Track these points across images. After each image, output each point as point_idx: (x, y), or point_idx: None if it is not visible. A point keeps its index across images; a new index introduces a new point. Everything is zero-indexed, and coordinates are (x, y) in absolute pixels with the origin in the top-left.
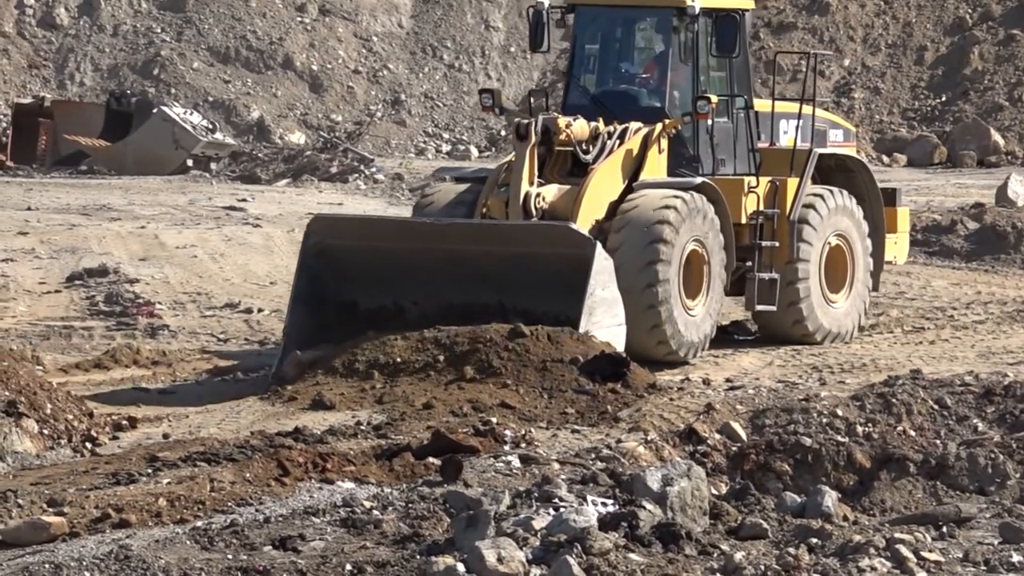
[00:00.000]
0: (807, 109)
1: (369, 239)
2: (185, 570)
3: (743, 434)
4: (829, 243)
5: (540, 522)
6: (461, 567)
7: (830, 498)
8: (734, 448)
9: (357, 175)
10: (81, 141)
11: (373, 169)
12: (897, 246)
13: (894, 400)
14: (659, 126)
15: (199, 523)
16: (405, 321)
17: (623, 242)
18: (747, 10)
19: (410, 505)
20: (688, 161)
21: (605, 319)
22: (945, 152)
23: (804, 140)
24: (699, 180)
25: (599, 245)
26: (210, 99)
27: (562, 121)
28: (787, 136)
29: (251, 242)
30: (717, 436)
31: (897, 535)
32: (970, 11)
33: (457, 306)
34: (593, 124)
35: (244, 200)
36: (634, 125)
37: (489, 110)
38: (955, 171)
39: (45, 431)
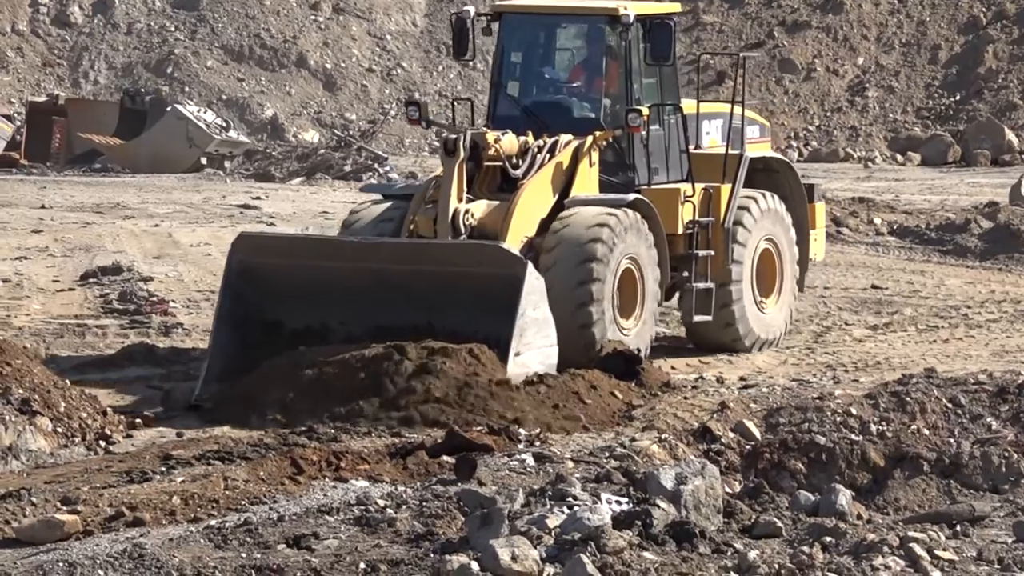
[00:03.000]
0: (726, 108)
1: (295, 258)
2: (199, 568)
3: (757, 432)
4: (760, 247)
5: (554, 520)
6: (475, 566)
7: (844, 497)
8: (748, 446)
9: (371, 173)
10: (95, 139)
11: (387, 168)
12: (816, 243)
13: (908, 399)
14: (589, 139)
15: (213, 522)
16: (331, 342)
17: (556, 261)
18: (676, 13)
19: (424, 503)
20: (623, 171)
21: (536, 340)
22: (959, 151)
23: (725, 140)
24: (632, 197)
25: (530, 265)
26: (224, 97)
27: (491, 136)
28: (709, 137)
29: None
30: (731, 434)
31: (911, 534)
32: (984, 10)
33: (385, 327)
34: (523, 138)
35: (258, 198)
36: (564, 138)
37: (415, 123)
38: (969, 170)
39: (59, 429)
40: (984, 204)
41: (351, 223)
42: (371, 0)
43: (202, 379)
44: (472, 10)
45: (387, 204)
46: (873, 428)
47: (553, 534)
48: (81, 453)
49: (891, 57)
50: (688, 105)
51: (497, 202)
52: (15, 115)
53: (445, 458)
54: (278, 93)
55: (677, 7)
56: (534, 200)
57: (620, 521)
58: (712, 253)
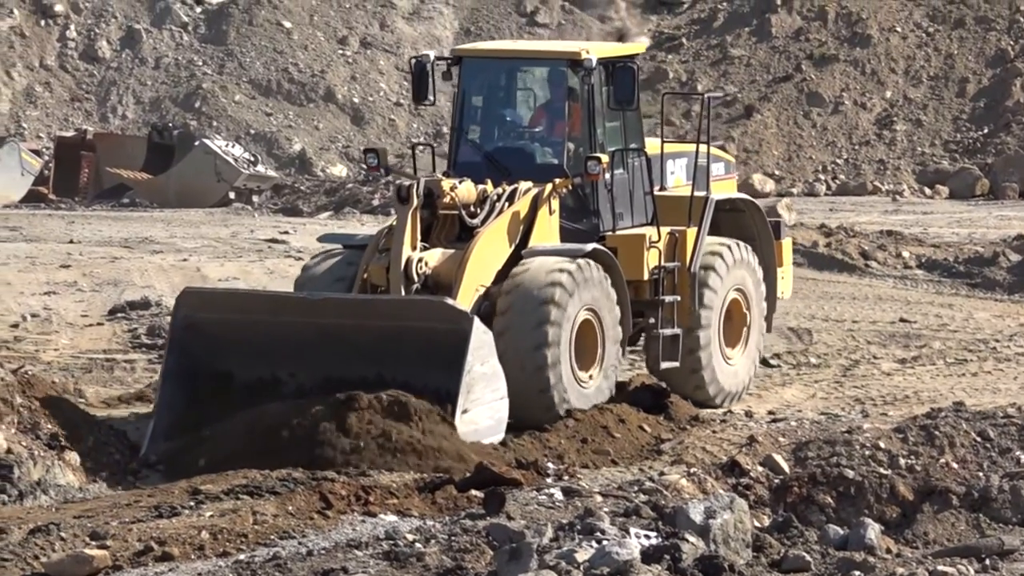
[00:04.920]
0: (690, 148)
1: (241, 313)
2: None
3: (786, 466)
4: (729, 297)
5: (583, 555)
6: None
7: (873, 530)
8: (777, 480)
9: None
10: (123, 174)
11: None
12: (784, 280)
13: (937, 432)
14: (549, 187)
15: (242, 556)
16: (282, 394)
17: (512, 304)
18: (639, 55)
19: (453, 538)
20: (586, 217)
21: (485, 394)
22: (987, 184)
23: (689, 179)
24: (590, 247)
25: (476, 320)
26: (252, 132)
27: (446, 183)
28: (674, 176)
29: (293, 275)
30: (760, 468)
31: (940, 568)
32: (1012, 43)
33: (335, 379)
34: (481, 187)
35: (286, 233)
36: (523, 186)
37: (374, 170)
38: (997, 203)
39: (88, 464)
40: (1012, 237)
41: (308, 272)
42: (399, 34)
43: (148, 437)
44: (432, 54)
45: (347, 253)
46: (902, 462)
47: (582, 568)
48: (110, 488)
49: (919, 91)
50: (652, 145)
51: (452, 251)
52: (43, 150)
53: (474, 492)
54: (306, 127)
55: (641, 48)
56: (490, 249)
57: (649, 555)
58: (679, 298)
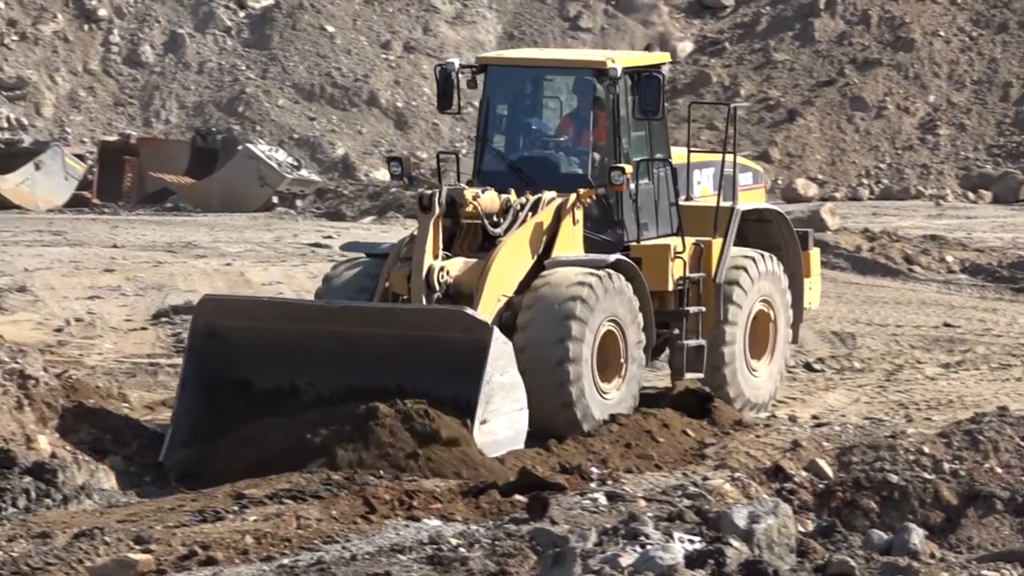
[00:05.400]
0: (717, 157)
1: (261, 320)
2: None
3: (830, 471)
4: (755, 309)
5: (627, 559)
6: None
7: (917, 535)
8: (821, 485)
9: None
10: (166, 178)
11: None
12: (812, 291)
13: (981, 437)
14: (572, 197)
15: (286, 560)
16: (301, 403)
17: (533, 319)
18: (665, 64)
19: (496, 542)
20: (611, 227)
21: (504, 405)
22: None
23: (716, 189)
24: (613, 258)
25: (496, 330)
26: (295, 136)
27: (469, 192)
28: (700, 186)
29: None
30: (804, 473)
31: (984, 572)
32: None
33: (355, 388)
34: (504, 196)
35: (329, 237)
36: (547, 195)
37: (397, 179)
38: None
39: (131, 469)
40: None
41: (332, 280)
42: (442, 39)
43: (167, 444)
44: (456, 62)
45: (370, 262)
46: (946, 466)
47: (626, 573)
48: (154, 492)
49: (962, 95)
50: (678, 154)
51: (474, 260)
52: (87, 154)
53: (518, 497)
54: (349, 132)
55: (666, 57)
56: (512, 259)
57: (693, 560)
58: (703, 309)
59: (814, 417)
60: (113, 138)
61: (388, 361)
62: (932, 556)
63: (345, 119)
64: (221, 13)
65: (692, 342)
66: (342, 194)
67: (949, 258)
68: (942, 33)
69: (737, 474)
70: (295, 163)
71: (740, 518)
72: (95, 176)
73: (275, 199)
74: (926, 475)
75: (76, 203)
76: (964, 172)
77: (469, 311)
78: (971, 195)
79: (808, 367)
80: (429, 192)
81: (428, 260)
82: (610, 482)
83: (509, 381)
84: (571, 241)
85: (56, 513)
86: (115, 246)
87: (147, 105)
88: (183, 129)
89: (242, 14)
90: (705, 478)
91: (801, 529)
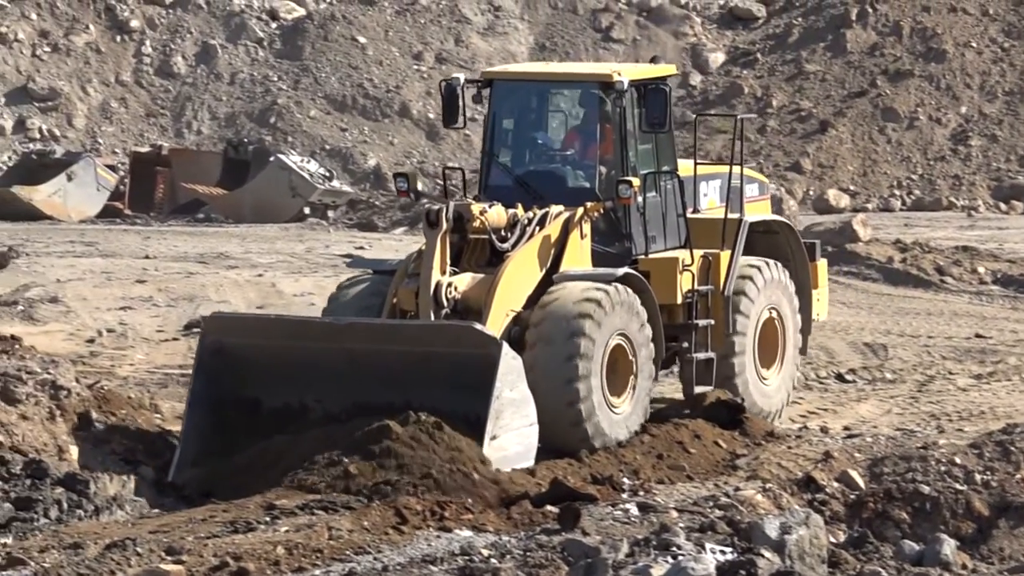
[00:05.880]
0: (724, 169)
1: (268, 338)
2: None
3: (861, 482)
4: (763, 317)
5: (658, 570)
6: None
7: (949, 546)
8: (852, 496)
9: None
10: (198, 189)
11: None
12: (820, 303)
13: (1013, 448)
14: (580, 211)
15: (317, 572)
16: (310, 420)
17: (541, 337)
18: (671, 76)
19: (528, 553)
20: (619, 241)
21: (514, 421)
22: None
23: (723, 201)
24: (622, 271)
25: (505, 345)
26: (327, 147)
27: (476, 207)
28: (707, 198)
29: None
30: (835, 484)
31: None
32: None
33: (362, 405)
34: (512, 211)
35: (361, 248)
36: (555, 209)
37: (404, 194)
38: None
39: (163, 479)
40: None
41: (339, 297)
42: (473, 50)
43: (176, 462)
44: (462, 77)
45: (378, 279)
46: (978, 477)
47: None
48: (185, 503)
49: (994, 106)
50: (685, 167)
51: (482, 275)
52: (119, 165)
53: (549, 508)
54: (381, 143)
55: (672, 69)
56: (520, 273)
57: (725, 571)
58: (712, 322)
59: (846, 428)
60: (145, 149)
61: (396, 378)
62: (963, 567)
63: (377, 130)
64: (253, 24)
65: (701, 355)
66: (374, 205)
67: (981, 269)
68: (974, 44)
69: (769, 485)
70: (327, 174)
71: (772, 529)
72: (127, 187)
73: (307, 210)
74: (958, 486)
75: (108, 214)
76: (996, 183)
77: (478, 326)
78: (1003, 206)
79: (840, 378)
80: (436, 207)
81: (436, 276)
82: (642, 493)
83: (519, 396)
84: (579, 255)
85: (88, 524)
86: (147, 257)
87: (179, 116)
88: (215, 140)
89: (274, 25)
90: (737, 489)
91: (832, 540)
